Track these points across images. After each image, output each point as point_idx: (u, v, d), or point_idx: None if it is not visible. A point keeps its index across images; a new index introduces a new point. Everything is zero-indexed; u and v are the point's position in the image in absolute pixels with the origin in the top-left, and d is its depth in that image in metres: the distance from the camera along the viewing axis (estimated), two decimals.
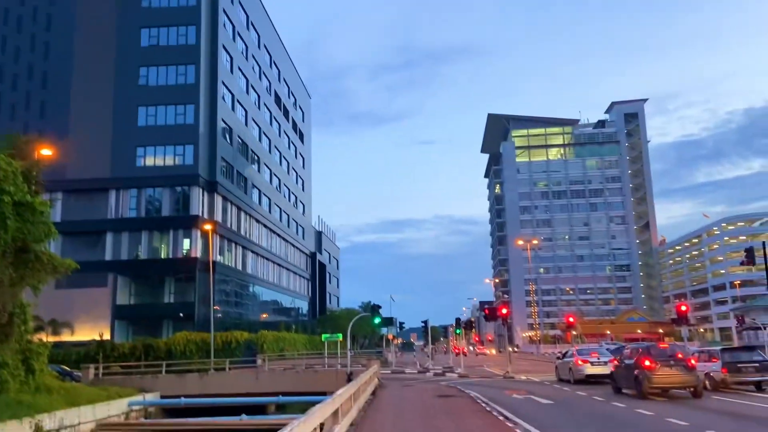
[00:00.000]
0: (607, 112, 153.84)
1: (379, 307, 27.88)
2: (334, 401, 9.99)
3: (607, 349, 27.69)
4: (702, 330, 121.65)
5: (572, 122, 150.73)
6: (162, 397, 27.26)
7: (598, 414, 14.13)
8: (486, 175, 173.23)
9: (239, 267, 58.33)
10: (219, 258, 52.51)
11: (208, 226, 44.09)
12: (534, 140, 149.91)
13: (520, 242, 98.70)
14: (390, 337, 71.77)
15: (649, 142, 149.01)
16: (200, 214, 50.31)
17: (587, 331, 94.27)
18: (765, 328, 43.62)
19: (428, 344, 48.09)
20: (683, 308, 30.15)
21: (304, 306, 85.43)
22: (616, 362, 20.47)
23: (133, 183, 50.37)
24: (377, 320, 28.57)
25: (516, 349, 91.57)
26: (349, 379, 22.46)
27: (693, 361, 17.30)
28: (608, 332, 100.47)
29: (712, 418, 12.67)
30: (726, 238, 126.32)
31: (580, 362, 23.88)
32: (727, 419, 12.40)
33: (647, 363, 17.05)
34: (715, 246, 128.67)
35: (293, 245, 79.52)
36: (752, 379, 18.45)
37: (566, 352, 28.01)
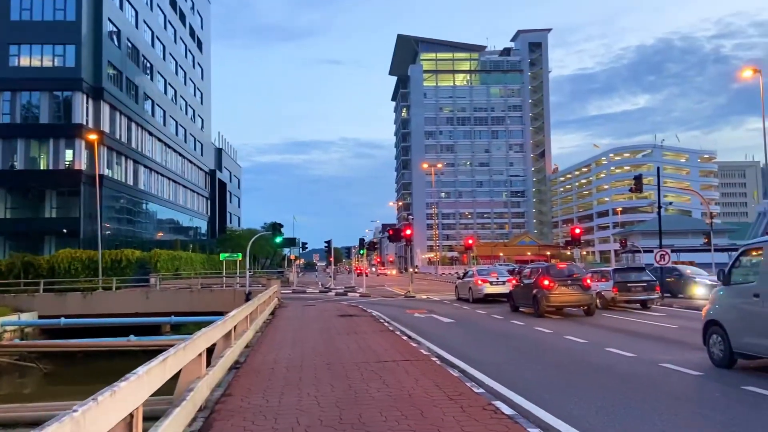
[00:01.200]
0: (512, 40, 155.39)
1: (281, 225, 26.77)
2: (225, 323, 9.03)
3: (507, 270, 28.55)
4: (584, 253, 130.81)
5: (479, 48, 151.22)
6: (40, 317, 25.11)
7: (499, 332, 14.18)
8: (393, 99, 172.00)
9: (131, 182, 54.53)
10: (107, 172, 48.68)
11: (93, 136, 40.24)
12: (442, 65, 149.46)
13: (425, 166, 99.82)
14: (292, 257, 71.20)
15: (551, 72, 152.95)
16: (84, 123, 45.96)
17: (482, 254, 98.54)
18: (643, 251, 47.06)
19: (331, 265, 47.92)
20: (577, 231, 31.39)
21: (203, 225, 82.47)
22: (515, 281, 20.92)
23: (6, 85, 44.89)
24: (278, 239, 27.52)
25: (416, 270, 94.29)
26: (248, 299, 21.62)
27: (588, 281, 17.83)
28: (501, 254, 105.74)
29: (607, 335, 12.97)
30: (612, 168, 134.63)
31: (479, 282, 24.40)
32: (621, 336, 12.72)
33: (546, 282, 17.39)
34: (602, 175, 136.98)
35: (191, 162, 75.46)
36: (639, 297, 19.43)
37: (466, 273, 28.50)
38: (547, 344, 11.70)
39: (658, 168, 24.86)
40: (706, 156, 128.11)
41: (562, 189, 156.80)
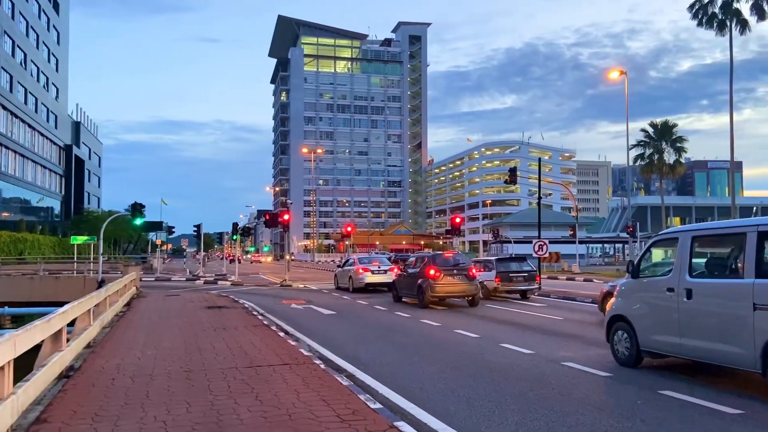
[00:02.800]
0: (393, 31, 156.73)
1: (142, 206, 23.89)
2: (50, 320, 7.04)
3: (389, 258, 27.83)
4: (454, 243, 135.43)
5: (361, 37, 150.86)
6: None
7: (385, 325, 13.12)
8: (273, 81, 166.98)
9: None
10: None
11: None
12: (323, 50, 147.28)
13: (305, 150, 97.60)
14: (158, 242, 66.17)
15: (429, 66, 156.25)
16: None
17: (359, 242, 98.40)
18: (513, 241, 48.94)
19: (200, 250, 44.78)
20: (457, 220, 31.41)
21: (56, 206, 74.47)
22: (398, 270, 20.11)
23: None
24: (138, 221, 24.60)
25: (292, 258, 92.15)
26: (100, 287, 18.92)
27: (474, 271, 17.34)
28: (377, 243, 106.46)
29: (498, 328, 12.34)
30: (483, 162, 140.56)
31: (361, 270, 23.41)
32: (512, 329, 12.14)
33: (432, 272, 16.64)
34: (474, 168, 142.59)
35: (42, 134, 67.57)
36: (521, 288, 19.36)
37: (347, 261, 27.45)
38: (439, 340, 10.77)
39: (540, 160, 25.23)
40: (566, 154, 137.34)
41: (436, 180, 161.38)
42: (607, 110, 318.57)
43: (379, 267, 23.64)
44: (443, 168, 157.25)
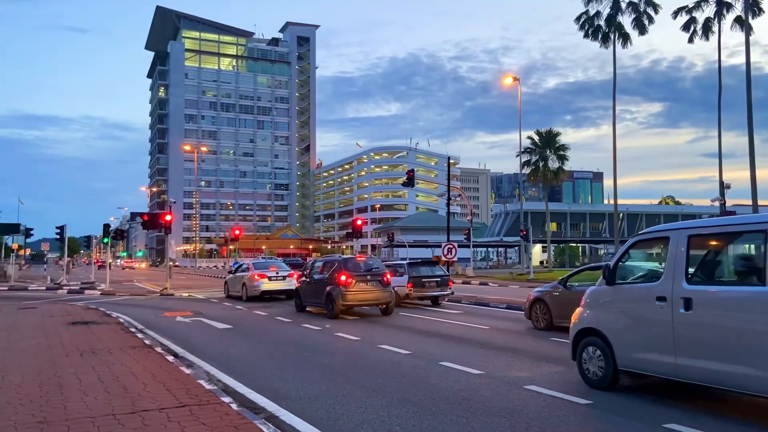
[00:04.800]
0: (281, 31, 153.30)
1: None
2: None
3: (287, 263, 25.96)
4: (344, 246, 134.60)
5: (247, 34, 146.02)
6: None
7: (296, 342, 11.30)
8: (150, 76, 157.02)
9: None
10: None
11: None
12: (206, 46, 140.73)
13: (188, 148, 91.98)
14: (14, 246, 58.83)
15: (318, 68, 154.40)
16: None
17: (244, 246, 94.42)
18: (408, 245, 48.50)
19: (64, 255, 39.84)
20: (359, 222, 30.04)
21: None
22: (299, 276, 18.30)
23: None
24: None
25: (175, 264, 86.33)
26: None
27: (388, 277, 15.90)
28: (264, 247, 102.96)
29: (426, 342, 10.96)
30: (372, 167, 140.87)
31: (256, 277, 21.31)
32: (443, 343, 10.82)
33: (344, 278, 14.99)
34: (363, 173, 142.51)
35: None
36: (433, 293, 18.28)
37: (240, 266, 25.17)
38: (366, 359, 9.17)
39: (449, 159, 24.32)
40: (452, 161, 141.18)
41: (325, 184, 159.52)
42: (483, 121, 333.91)
43: (277, 273, 21.72)
44: (332, 172, 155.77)
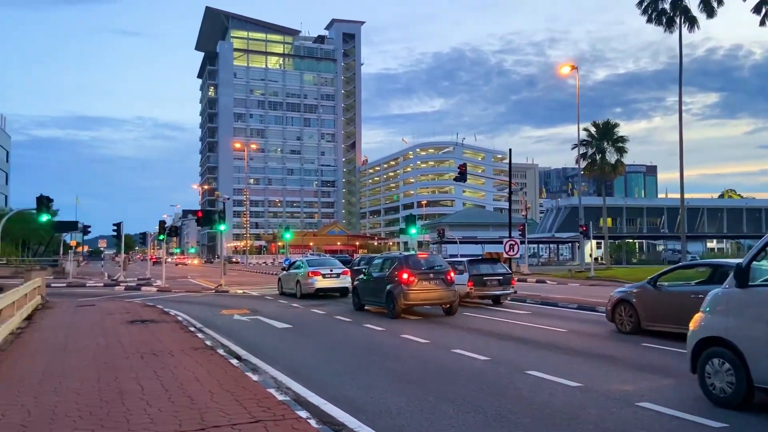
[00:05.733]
0: (327, 28, 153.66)
1: (50, 200, 20.27)
2: None
3: (345, 262, 25.55)
4: (390, 243, 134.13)
5: (294, 32, 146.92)
6: None
7: (360, 344, 10.65)
8: (200, 76, 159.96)
9: None
10: None
11: None
12: (254, 45, 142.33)
13: (238, 145, 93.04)
14: (73, 243, 60.49)
15: (363, 65, 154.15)
16: None
17: (292, 243, 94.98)
18: (459, 241, 47.40)
19: (121, 252, 40.52)
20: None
21: None
22: (352, 274, 17.73)
23: None
24: (45, 217, 20.94)
25: (237, 261, 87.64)
26: None
27: (452, 275, 15.10)
28: (311, 244, 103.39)
29: (502, 346, 10.14)
30: (418, 163, 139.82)
31: (311, 274, 20.93)
32: (521, 347, 9.99)
33: (405, 276, 14.29)
34: (409, 169, 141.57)
35: None
36: (495, 292, 17.37)
37: (293, 263, 24.77)
38: (442, 366, 8.40)
39: (510, 152, 23.22)
40: (499, 156, 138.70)
41: (370, 181, 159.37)
42: (529, 115, 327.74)
43: (331, 270, 21.33)
44: (377, 168, 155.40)
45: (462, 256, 25.74)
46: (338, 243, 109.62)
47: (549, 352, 9.39)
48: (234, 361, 8.50)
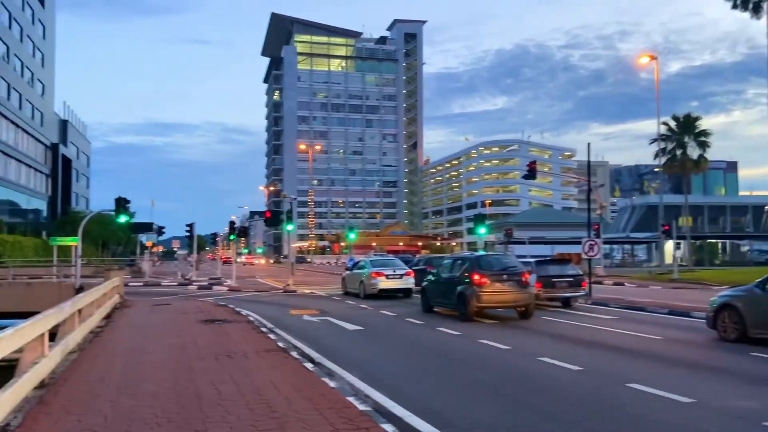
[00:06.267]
0: (388, 29, 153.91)
1: (127, 201, 20.87)
2: None
3: (407, 261, 25.24)
4: (453, 244, 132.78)
5: (356, 34, 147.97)
6: None
7: (436, 349, 10.16)
8: (266, 80, 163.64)
9: None
10: None
11: None
12: (317, 48, 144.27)
13: (303, 146, 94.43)
14: (149, 244, 62.94)
15: (425, 64, 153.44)
16: None
17: (355, 243, 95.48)
18: (528, 242, 46.08)
19: (194, 252, 41.64)
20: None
21: (42, 206, 70.96)
22: (415, 275, 17.30)
23: None
24: (123, 218, 21.58)
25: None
26: (79, 294, 15.97)
27: (527, 276, 14.38)
28: (374, 244, 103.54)
29: (591, 354, 9.43)
30: (481, 161, 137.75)
31: (374, 275, 20.80)
32: (613, 355, 9.22)
33: (477, 278, 13.70)
34: (472, 168, 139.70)
35: (27, 132, 64.09)
36: (565, 294, 16.65)
37: (356, 263, 24.64)
38: (531, 375, 7.80)
39: (589, 146, 22.16)
40: (567, 153, 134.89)
41: (433, 181, 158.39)
42: (598, 111, 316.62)
43: (394, 271, 21.20)
44: (440, 168, 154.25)
45: (531, 257, 24.91)
46: (400, 243, 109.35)
47: (647, 362, 8.61)
48: (309, 365, 8.19)
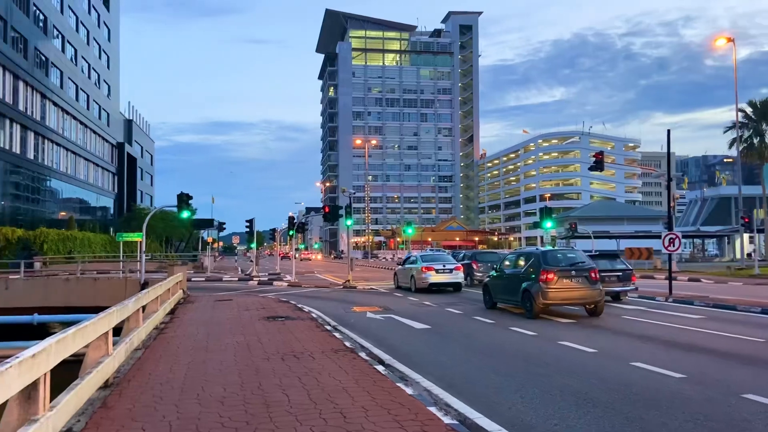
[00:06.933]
0: (443, 21, 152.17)
1: (189, 197, 20.98)
2: (21, 364, 3.77)
3: (458, 256, 26.36)
4: (511, 239, 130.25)
5: (410, 28, 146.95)
6: None
7: (512, 351, 9.43)
8: (320, 77, 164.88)
9: (16, 150, 46.22)
10: None
11: None
12: (371, 43, 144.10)
13: (359, 141, 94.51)
14: (209, 240, 64.38)
15: (480, 56, 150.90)
16: None
17: (411, 239, 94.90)
18: (593, 236, 44.29)
19: (253, 247, 42.05)
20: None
21: (110, 204, 73.70)
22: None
23: None
24: (186, 214, 21.73)
25: (343, 255, 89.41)
26: (143, 290, 16.06)
27: (596, 273, 13.72)
28: (430, 239, 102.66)
29: (695, 359, 8.48)
30: (540, 154, 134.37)
31: (425, 269, 21.53)
32: (715, 359, 8.28)
33: (543, 274, 13.23)
34: (530, 161, 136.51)
35: (95, 131, 66.55)
36: (614, 289, 16.42)
37: (407, 258, 25.34)
38: (629, 384, 6.97)
39: (669, 133, 20.82)
40: (631, 144, 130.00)
41: (489, 175, 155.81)
42: (662, 100, 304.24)
43: (443, 266, 21.77)
44: (496, 162, 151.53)
45: (596, 252, 24.12)
46: (456, 238, 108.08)
47: (757, 368, 7.66)
48: (380, 368, 7.64)
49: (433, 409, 5.56)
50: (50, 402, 4.82)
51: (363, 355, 8.65)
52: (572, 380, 7.18)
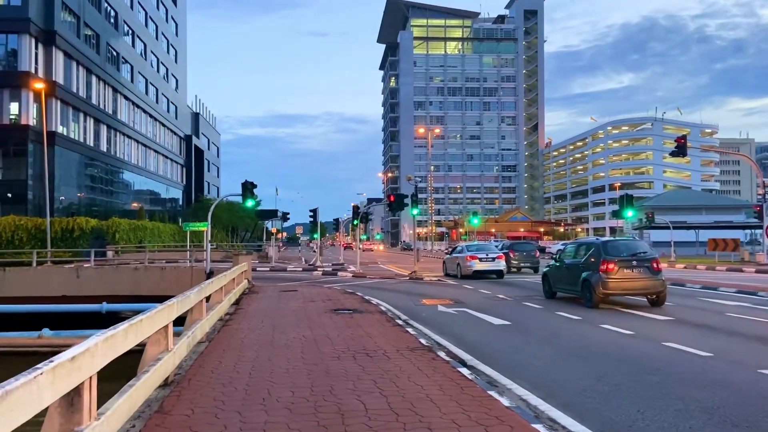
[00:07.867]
0: (507, 7, 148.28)
1: (253, 186, 20.67)
2: (75, 359, 3.10)
3: (496, 246, 28.48)
4: (579, 230, 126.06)
5: (473, 15, 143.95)
6: None
7: (616, 354, 8.30)
8: (381, 67, 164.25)
9: (91, 143, 47.86)
10: (61, 129, 42.20)
11: (40, 86, 33.37)
12: (433, 32, 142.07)
13: (421, 130, 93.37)
14: (273, 230, 65.08)
15: (546, 41, 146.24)
16: (32, 71, 39.40)
17: (473, 229, 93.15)
18: (672, 227, 41.73)
19: (317, 237, 41.87)
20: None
21: (178, 194, 75.82)
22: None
23: None
24: (250, 203, 21.47)
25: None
26: (209, 279, 15.81)
27: (658, 263, 13.33)
28: (493, 230, 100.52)
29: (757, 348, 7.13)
30: (609, 142, 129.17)
31: (469, 258, 23.54)
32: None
33: (603, 264, 12.93)
34: (598, 149, 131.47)
35: (164, 124, 68.43)
36: None
37: (455, 248, 27.85)
38: (754, 392, 5.83)
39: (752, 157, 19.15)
40: (708, 130, 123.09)
41: (555, 164, 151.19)
42: (738, 85, 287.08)
43: (486, 255, 23.65)
44: (562, 150, 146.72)
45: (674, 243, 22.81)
46: (521, 229, 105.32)
47: None
48: (464, 371, 6.74)
49: (540, 428, 4.62)
50: (98, 409, 4.20)
51: (442, 354, 7.77)
52: (695, 391, 6.05)
